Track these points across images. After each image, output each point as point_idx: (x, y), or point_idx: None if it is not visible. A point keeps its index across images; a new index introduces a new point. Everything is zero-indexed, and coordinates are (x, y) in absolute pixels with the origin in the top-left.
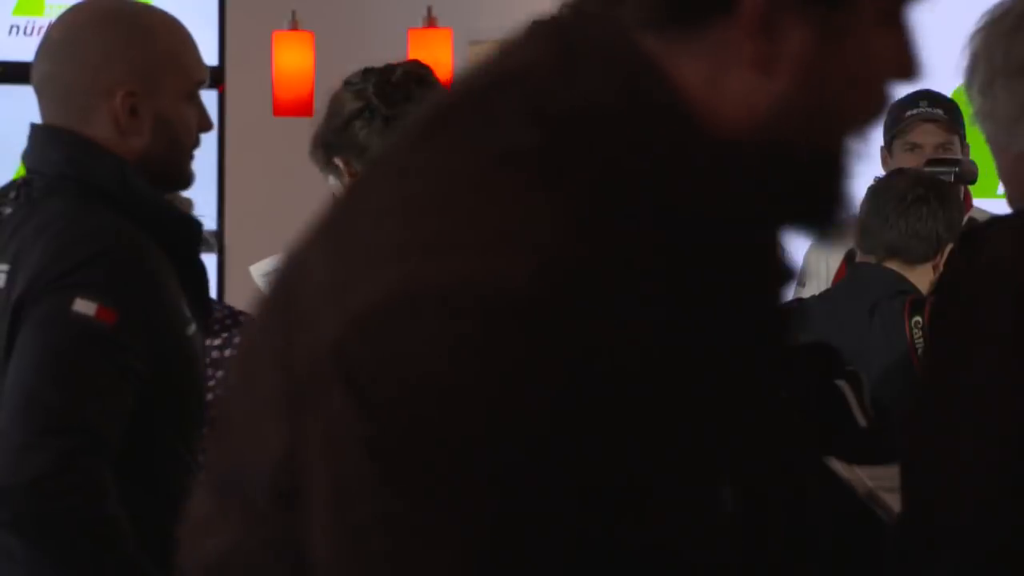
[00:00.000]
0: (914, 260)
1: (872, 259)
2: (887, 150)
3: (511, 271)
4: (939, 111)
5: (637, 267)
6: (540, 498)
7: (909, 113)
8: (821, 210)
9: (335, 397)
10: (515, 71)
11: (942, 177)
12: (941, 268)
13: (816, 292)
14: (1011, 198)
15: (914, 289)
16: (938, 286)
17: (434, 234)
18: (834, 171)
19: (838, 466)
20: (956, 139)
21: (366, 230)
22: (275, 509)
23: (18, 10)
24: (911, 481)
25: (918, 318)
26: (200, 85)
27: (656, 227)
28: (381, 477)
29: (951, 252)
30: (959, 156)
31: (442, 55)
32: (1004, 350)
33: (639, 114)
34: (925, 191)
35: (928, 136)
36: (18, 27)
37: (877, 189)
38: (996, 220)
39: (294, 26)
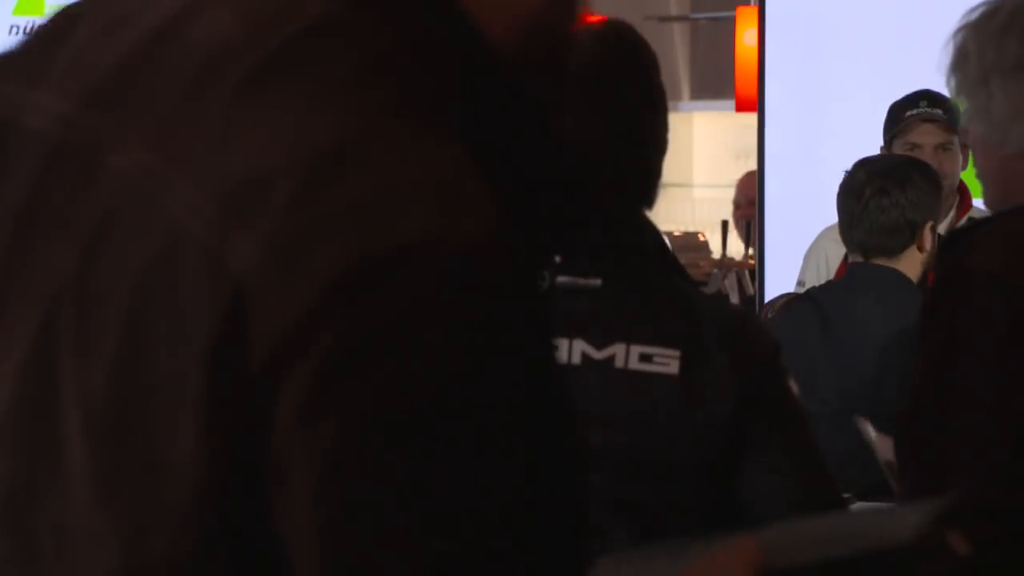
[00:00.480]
0: (890, 252)
1: (858, 257)
2: (887, 150)
3: (463, 224)
4: (939, 111)
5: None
6: (521, 420)
7: (909, 113)
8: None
9: (322, 363)
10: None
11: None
12: (926, 248)
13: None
14: (992, 200)
15: (906, 279)
16: (931, 287)
17: (372, 193)
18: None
19: (870, 431)
20: (955, 139)
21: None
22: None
23: (18, 10)
24: (908, 479)
25: None
26: None
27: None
28: (387, 438)
29: (939, 253)
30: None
31: None
32: (1000, 351)
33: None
34: (882, 182)
35: (928, 136)
36: (18, 27)
37: (842, 188)
38: (984, 222)
39: None
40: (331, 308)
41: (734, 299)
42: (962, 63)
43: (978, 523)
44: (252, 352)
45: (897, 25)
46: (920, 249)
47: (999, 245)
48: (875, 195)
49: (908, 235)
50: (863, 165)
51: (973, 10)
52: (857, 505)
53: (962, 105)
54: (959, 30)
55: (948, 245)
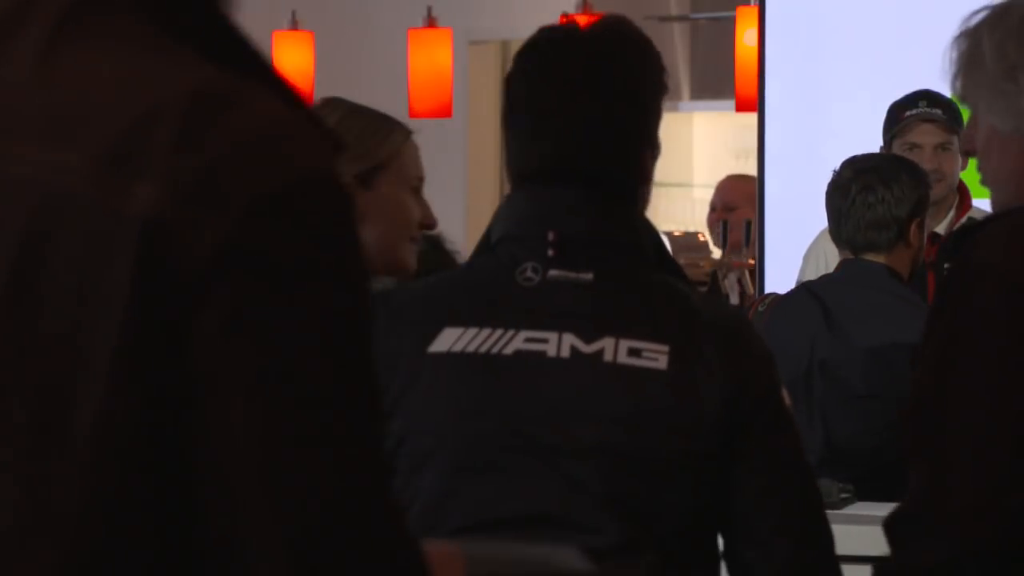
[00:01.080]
0: (878, 248)
1: (848, 254)
2: (887, 150)
3: (328, 155)
4: (938, 111)
5: None
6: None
7: (908, 113)
8: None
9: (242, 285)
10: None
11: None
12: (915, 245)
13: None
14: (1007, 200)
15: (896, 275)
16: (937, 287)
17: (254, 132)
18: None
19: None
20: (955, 139)
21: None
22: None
23: None
24: (911, 474)
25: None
26: None
27: None
28: (320, 350)
29: (946, 252)
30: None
31: (442, 55)
32: (1000, 350)
33: None
34: (868, 179)
35: (927, 136)
36: None
37: (829, 186)
38: (988, 220)
39: (294, 26)
40: (245, 237)
41: (734, 299)
42: (976, 63)
43: None
44: (172, 281)
45: (897, 25)
46: (908, 245)
47: (1002, 242)
48: (861, 192)
49: (895, 231)
50: (850, 164)
51: (974, 14)
52: (857, 506)
53: (969, 107)
54: (961, 35)
55: (954, 244)
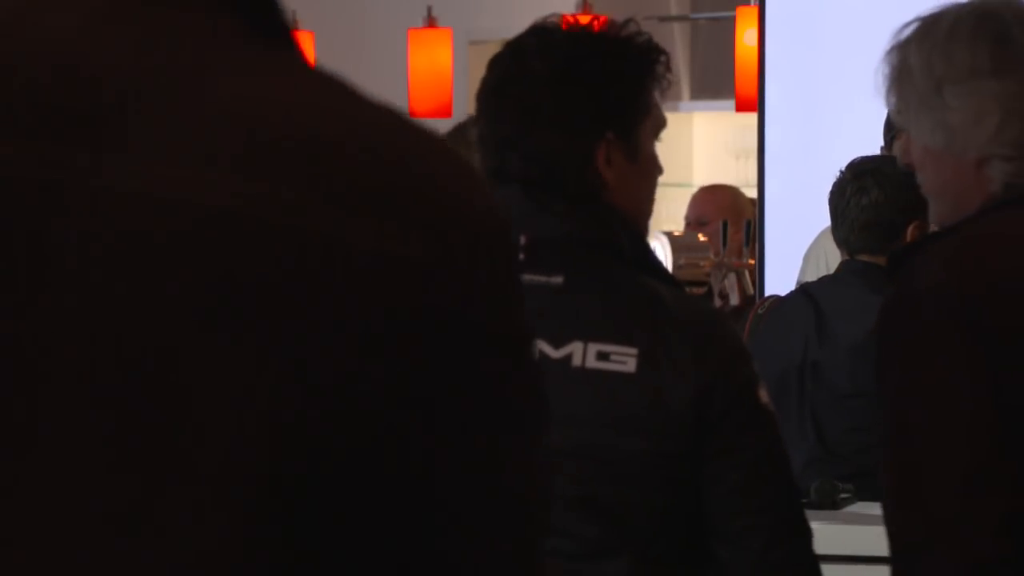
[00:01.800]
0: (872, 250)
1: (846, 255)
2: (887, 151)
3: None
4: None
5: None
6: None
7: None
8: None
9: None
10: None
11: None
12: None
13: None
14: (943, 214)
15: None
16: (881, 309)
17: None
18: None
19: None
20: None
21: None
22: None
23: None
24: (896, 513)
25: None
26: None
27: None
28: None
29: (886, 276)
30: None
31: (442, 55)
32: (956, 373)
33: None
34: (862, 181)
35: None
36: None
37: (833, 187)
38: (922, 243)
39: (294, 26)
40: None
41: (734, 299)
42: (905, 78)
43: None
44: (390, 324)
45: (897, 25)
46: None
47: (941, 269)
48: (855, 193)
49: (889, 233)
50: (851, 165)
51: (906, 27)
52: (857, 505)
53: (901, 124)
54: (892, 49)
55: (892, 267)
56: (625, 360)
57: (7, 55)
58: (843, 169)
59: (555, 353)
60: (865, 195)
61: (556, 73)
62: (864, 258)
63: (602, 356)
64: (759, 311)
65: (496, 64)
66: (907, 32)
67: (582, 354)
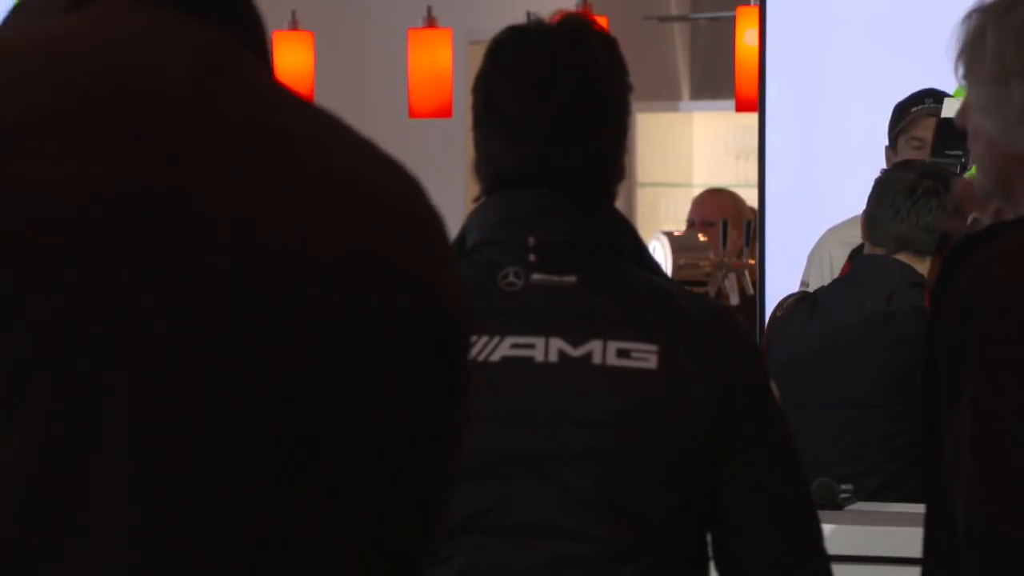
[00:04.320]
0: (923, 252)
1: (880, 251)
2: (892, 149)
3: None
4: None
5: None
6: None
7: (914, 110)
8: None
9: None
10: None
11: (949, 167)
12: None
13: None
14: (985, 185)
15: (925, 280)
16: (939, 298)
17: None
18: None
19: None
20: None
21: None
22: None
23: None
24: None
25: None
26: None
27: None
28: None
29: (946, 260)
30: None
31: (442, 55)
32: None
33: None
34: (934, 183)
35: (933, 132)
36: None
37: (885, 181)
38: (995, 230)
39: (294, 26)
40: None
41: (734, 300)
42: (977, 52)
43: None
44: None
45: (898, 25)
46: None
47: (1016, 257)
48: (926, 194)
49: (942, 241)
50: (908, 167)
51: (985, 3)
52: (857, 505)
53: (964, 91)
54: (973, 13)
55: (947, 269)
56: (646, 357)
57: (67, 76)
58: (896, 170)
59: (574, 352)
60: (935, 198)
61: (564, 69)
62: (907, 257)
63: (623, 353)
64: (777, 313)
65: (497, 60)
66: (989, 7)
67: (602, 352)
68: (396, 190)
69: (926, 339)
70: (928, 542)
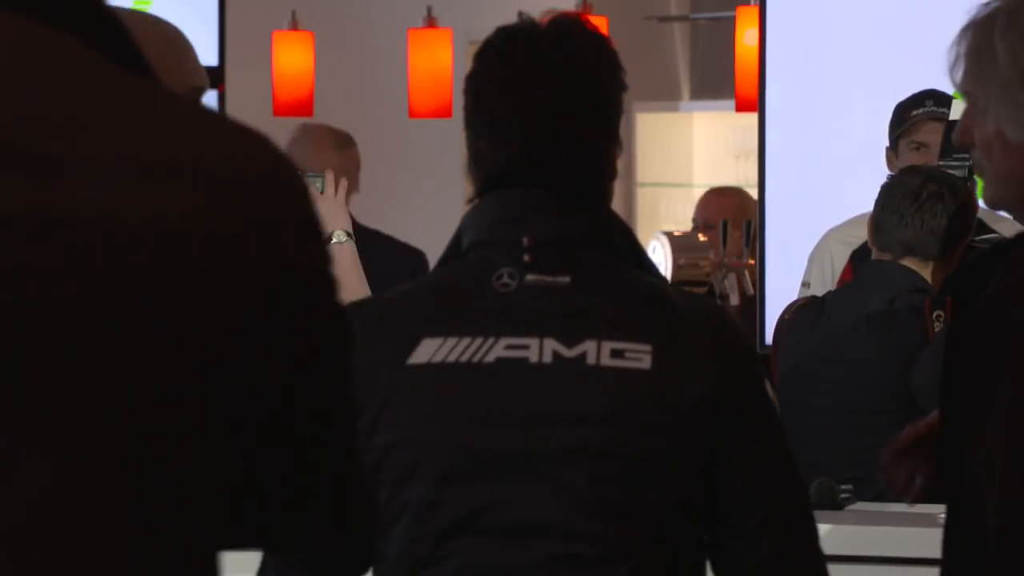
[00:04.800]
0: (929, 257)
1: (887, 256)
2: (893, 150)
3: None
4: (945, 110)
5: None
6: None
7: (915, 112)
8: None
9: None
10: None
11: (954, 173)
12: (956, 262)
13: (820, 293)
14: (1000, 195)
15: (930, 286)
16: (963, 304)
17: None
18: None
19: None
20: None
21: None
22: None
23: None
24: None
25: (939, 312)
26: (199, 92)
27: None
28: None
29: (954, 283)
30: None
31: (442, 55)
32: None
33: None
34: (939, 188)
35: (934, 135)
36: None
37: (891, 186)
38: (1007, 247)
39: (294, 26)
40: None
41: (734, 300)
42: (987, 62)
43: None
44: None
45: (898, 25)
46: (947, 264)
47: None
48: (930, 199)
49: (947, 245)
50: (914, 172)
51: (984, 6)
52: (857, 505)
53: (970, 101)
54: (970, 26)
55: (968, 274)
56: (640, 357)
57: None
58: (903, 175)
59: (568, 352)
60: (940, 202)
61: (556, 68)
62: (911, 263)
63: (617, 353)
64: (785, 317)
65: (487, 59)
66: (987, 12)
67: (596, 352)
68: (215, 159)
69: (946, 346)
70: (948, 544)
